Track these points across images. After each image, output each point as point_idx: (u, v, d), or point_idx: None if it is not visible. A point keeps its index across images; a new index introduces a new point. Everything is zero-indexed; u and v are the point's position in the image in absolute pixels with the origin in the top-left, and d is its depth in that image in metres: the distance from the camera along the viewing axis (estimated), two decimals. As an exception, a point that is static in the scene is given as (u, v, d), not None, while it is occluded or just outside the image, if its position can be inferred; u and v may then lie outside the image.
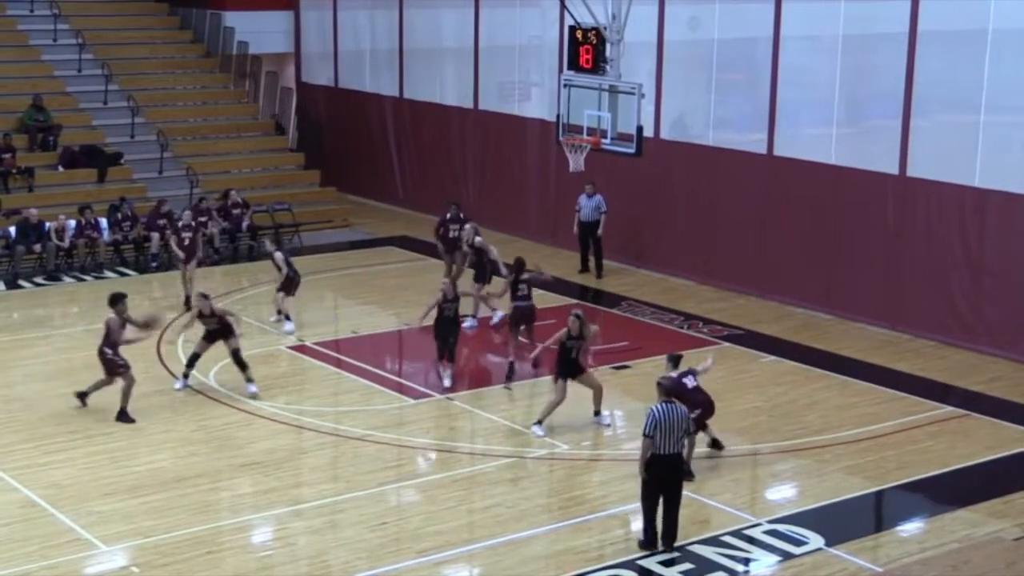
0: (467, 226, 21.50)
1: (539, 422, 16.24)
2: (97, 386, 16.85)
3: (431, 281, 21.58)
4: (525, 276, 18.62)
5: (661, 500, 12.88)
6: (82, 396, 16.92)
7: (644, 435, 12.78)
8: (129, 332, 16.82)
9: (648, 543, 12.96)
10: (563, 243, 25.24)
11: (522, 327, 18.40)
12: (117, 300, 16.85)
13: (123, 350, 16.72)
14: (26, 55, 29.53)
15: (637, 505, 13.16)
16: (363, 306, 22.10)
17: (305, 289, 21.00)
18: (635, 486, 13.41)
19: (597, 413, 16.50)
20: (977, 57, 19.35)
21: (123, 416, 16.55)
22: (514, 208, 26.84)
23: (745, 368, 18.94)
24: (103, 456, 15.40)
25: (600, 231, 23.73)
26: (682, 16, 23.85)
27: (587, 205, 23.78)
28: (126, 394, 16.58)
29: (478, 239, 20.94)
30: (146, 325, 17.11)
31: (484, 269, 20.69)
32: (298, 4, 32.47)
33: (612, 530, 13.56)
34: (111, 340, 16.60)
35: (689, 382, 14.89)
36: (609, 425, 16.54)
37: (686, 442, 12.80)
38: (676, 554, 12.89)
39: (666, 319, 21.22)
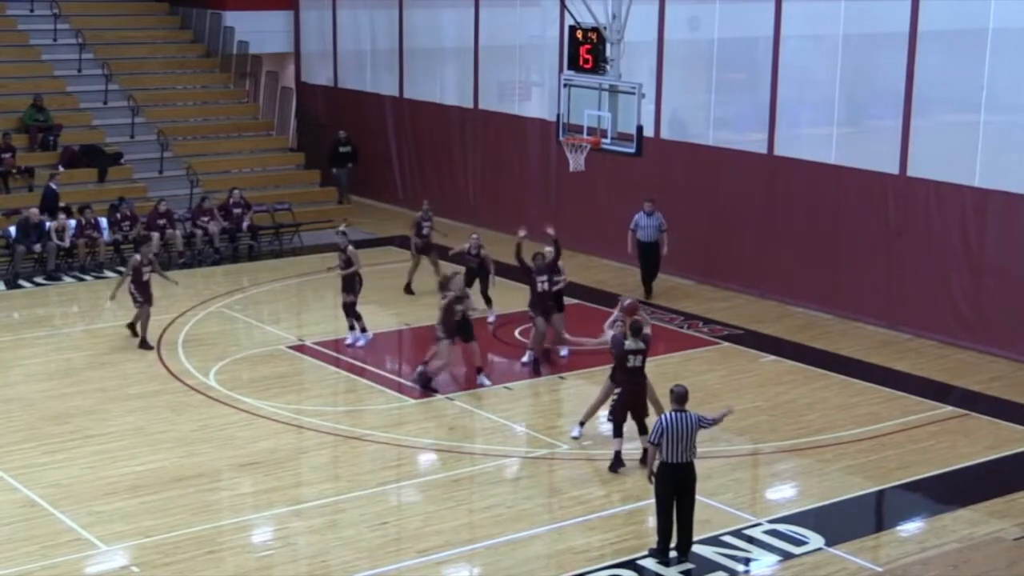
0: (547, 249, 19.11)
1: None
2: (140, 325, 19.48)
3: (429, 281, 21.54)
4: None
5: (675, 510, 12.70)
6: (134, 331, 19.59)
7: (650, 443, 12.73)
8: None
9: (660, 552, 12.77)
10: (565, 243, 25.11)
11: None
12: (143, 241, 21.30)
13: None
14: (26, 55, 29.52)
15: (637, 505, 13.14)
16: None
17: (306, 289, 20.95)
18: (635, 486, 13.44)
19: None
20: (977, 57, 19.35)
21: (143, 342, 19.36)
22: (514, 208, 26.81)
23: (745, 368, 18.93)
24: (103, 456, 15.39)
25: (665, 250, 22.04)
26: (682, 16, 23.83)
27: (649, 224, 21.96)
28: (143, 324, 19.44)
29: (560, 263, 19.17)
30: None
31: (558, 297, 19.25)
32: (298, 4, 32.46)
33: (612, 530, 13.52)
34: (133, 279, 19.40)
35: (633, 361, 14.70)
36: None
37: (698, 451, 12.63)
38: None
39: (666, 319, 21.20)
